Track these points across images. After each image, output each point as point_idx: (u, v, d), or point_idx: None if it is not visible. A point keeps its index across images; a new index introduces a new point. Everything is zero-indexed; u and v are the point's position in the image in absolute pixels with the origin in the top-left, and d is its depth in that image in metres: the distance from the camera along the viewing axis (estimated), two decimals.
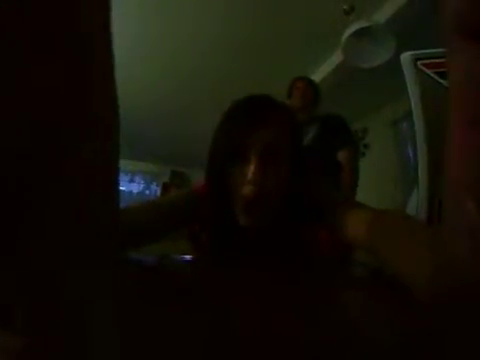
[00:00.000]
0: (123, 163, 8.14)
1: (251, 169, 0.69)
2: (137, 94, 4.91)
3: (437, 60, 0.87)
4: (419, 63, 0.90)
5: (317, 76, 3.86)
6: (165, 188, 7.33)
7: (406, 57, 0.89)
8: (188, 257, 0.70)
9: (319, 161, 2.12)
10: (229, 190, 0.71)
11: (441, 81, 0.86)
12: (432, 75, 0.88)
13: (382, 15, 2.76)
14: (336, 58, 3.38)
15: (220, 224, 0.76)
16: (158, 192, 7.78)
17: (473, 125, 0.15)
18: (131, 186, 8.41)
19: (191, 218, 0.84)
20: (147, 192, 8.04)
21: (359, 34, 2.40)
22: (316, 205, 0.79)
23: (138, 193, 8.24)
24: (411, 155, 3.58)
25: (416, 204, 0.89)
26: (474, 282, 0.16)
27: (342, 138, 2.29)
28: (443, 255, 0.18)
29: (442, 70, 0.87)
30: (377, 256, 0.56)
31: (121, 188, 8.36)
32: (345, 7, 2.63)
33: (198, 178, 2.99)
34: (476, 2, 0.13)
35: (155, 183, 7.62)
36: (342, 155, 2.25)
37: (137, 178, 8.33)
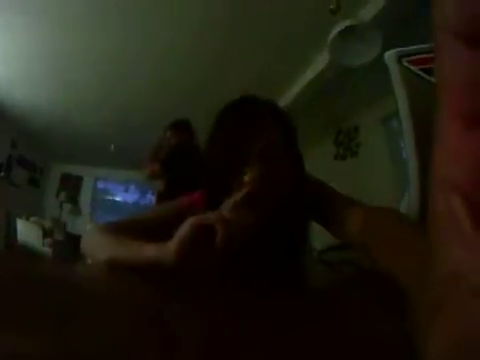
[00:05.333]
0: (117, 173, 8.14)
1: (250, 175, 0.70)
2: (128, 103, 4.92)
3: (423, 56, 0.86)
4: (404, 60, 0.89)
5: (307, 76, 3.88)
6: (160, 197, 7.30)
7: (390, 55, 0.88)
8: None
9: None
10: (228, 195, 0.71)
11: (428, 77, 0.85)
12: (418, 72, 0.87)
13: (368, 13, 2.77)
14: (325, 57, 3.38)
15: None
16: (153, 201, 7.76)
17: (462, 121, 0.15)
18: (126, 196, 8.41)
19: None
20: (142, 202, 8.02)
21: (346, 33, 2.41)
22: (311, 200, 0.81)
23: (133, 203, 8.24)
24: (403, 152, 3.60)
25: (408, 202, 0.89)
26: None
27: None
28: (430, 255, 0.18)
29: (428, 66, 0.86)
30: (369, 254, 0.56)
31: (116, 198, 8.36)
32: (332, 6, 2.63)
33: None
34: (465, 7, 0.13)
35: (150, 192, 7.60)
36: None
37: (132, 188, 8.33)
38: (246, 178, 0.69)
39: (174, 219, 0.61)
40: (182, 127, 3.05)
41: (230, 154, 0.74)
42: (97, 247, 0.73)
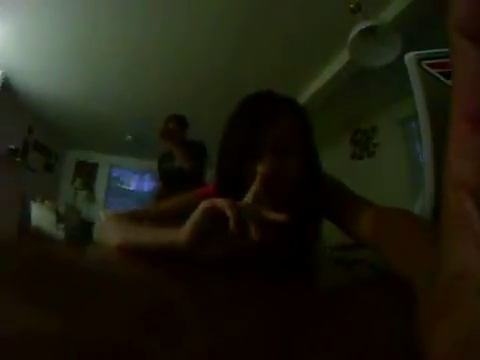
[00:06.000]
0: (133, 162, 8.19)
1: (263, 166, 0.70)
2: (145, 93, 4.94)
3: (442, 60, 0.86)
4: (423, 63, 0.89)
5: (326, 75, 3.84)
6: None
7: (410, 57, 0.88)
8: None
9: None
10: (242, 186, 0.71)
11: (446, 81, 0.85)
12: (437, 75, 0.87)
13: (389, 14, 2.74)
14: (344, 57, 3.34)
15: None
16: None
17: (474, 122, 0.15)
18: (141, 185, 8.45)
19: None
20: None
21: (366, 33, 2.38)
22: (325, 197, 0.81)
23: (148, 192, 8.28)
24: (420, 154, 3.54)
25: (422, 203, 0.89)
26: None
27: None
28: (440, 253, 0.18)
29: (447, 70, 0.86)
30: (381, 255, 0.56)
31: (131, 187, 8.40)
32: (352, 5, 2.61)
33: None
34: (472, 5, 0.14)
35: None
36: None
37: (147, 177, 8.37)
38: (258, 170, 0.69)
39: (187, 210, 0.61)
40: (182, 121, 3.13)
41: (244, 146, 0.75)
42: (111, 232, 0.75)
